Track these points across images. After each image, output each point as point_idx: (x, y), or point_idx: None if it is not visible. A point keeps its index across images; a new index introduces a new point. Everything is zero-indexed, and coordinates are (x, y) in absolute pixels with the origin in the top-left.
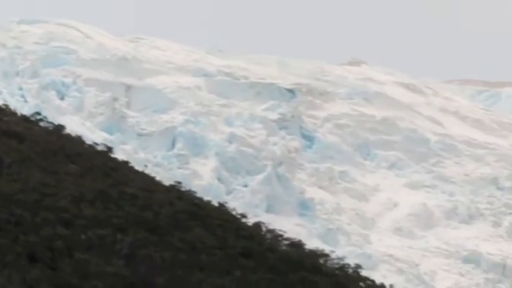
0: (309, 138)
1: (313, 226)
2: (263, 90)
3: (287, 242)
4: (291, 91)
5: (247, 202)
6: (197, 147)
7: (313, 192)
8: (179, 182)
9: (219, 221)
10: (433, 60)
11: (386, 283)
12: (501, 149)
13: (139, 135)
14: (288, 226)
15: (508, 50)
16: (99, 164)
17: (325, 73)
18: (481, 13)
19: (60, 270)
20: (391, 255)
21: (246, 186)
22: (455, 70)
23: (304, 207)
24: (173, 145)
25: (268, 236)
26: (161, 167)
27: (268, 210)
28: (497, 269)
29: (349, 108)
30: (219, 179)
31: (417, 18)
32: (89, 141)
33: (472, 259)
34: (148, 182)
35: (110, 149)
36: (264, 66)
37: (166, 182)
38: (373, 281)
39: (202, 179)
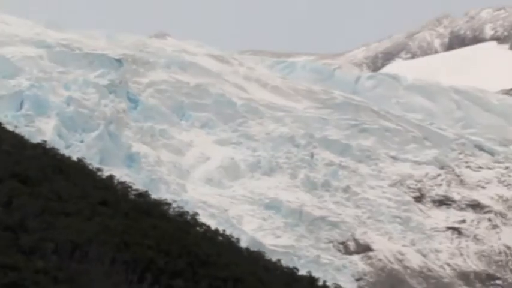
0: (134, 101)
1: (138, 176)
2: (95, 59)
3: (135, 193)
4: (118, 61)
5: (83, 155)
6: (41, 108)
7: (138, 147)
8: (45, 141)
9: (79, 173)
10: (223, 32)
11: None
12: (297, 111)
13: None
14: (118, 176)
15: (295, 23)
16: None
17: (146, 45)
18: None
19: None
20: (204, 202)
21: (82, 141)
22: (247, 41)
23: (131, 160)
24: (21, 106)
25: (119, 187)
26: (11, 125)
27: (101, 162)
28: (295, 214)
29: (167, 75)
30: (59, 136)
31: None
32: None
33: (273, 206)
34: (18, 140)
35: None
36: (95, 39)
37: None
38: (208, 226)
39: (45, 135)
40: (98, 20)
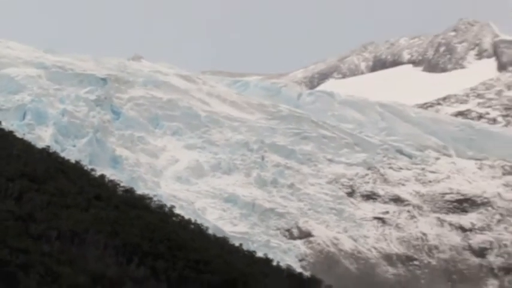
0: (116, 113)
1: (121, 175)
2: (84, 79)
3: (123, 189)
4: (103, 80)
5: (75, 158)
6: (40, 118)
7: (120, 151)
8: (48, 146)
9: (77, 173)
10: (187, 55)
11: None
12: (250, 122)
13: (0, 110)
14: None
15: (245, 47)
16: None
17: (126, 67)
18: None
19: None
20: (174, 196)
21: (74, 146)
22: (207, 63)
23: (115, 161)
24: (24, 117)
25: (110, 184)
26: (17, 133)
27: (90, 164)
28: (249, 206)
29: (144, 92)
30: (56, 141)
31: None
32: None
33: (231, 199)
34: (26, 146)
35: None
36: (84, 61)
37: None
38: (183, 217)
39: (45, 141)
40: (84, 44)
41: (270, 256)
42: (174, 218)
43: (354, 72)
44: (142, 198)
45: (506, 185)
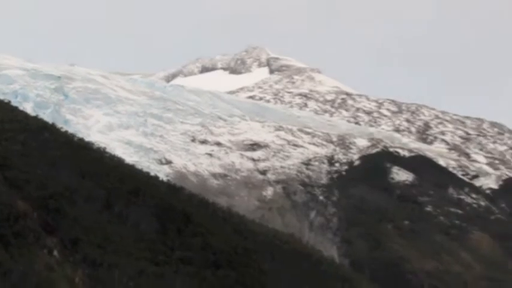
0: (66, 95)
1: (69, 130)
2: (48, 76)
3: (77, 138)
4: (59, 77)
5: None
6: (25, 98)
7: (68, 117)
8: (37, 115)
9: (54, 129)
10: (95, 59)
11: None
12: (139, 100)
13: (4, 93)
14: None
15: (129, 53)
16: (9, 109)
17: (71, 70)
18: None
19: None
20: (99, 141)
21: (44, 113)
22: (107, 65)
23: (66, 122)
24: (16, 97)
25: (69, 135)
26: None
27: None
28: (139, 147)
29: (81, 84)
30: (34, 112)
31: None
32: None
33: (128, 143)
34: (25, 115)
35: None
36: (47, 67)
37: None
38: (110, 153)
39: (27, 111)
40: (42, 53)
41: (152, 174)
42: (106, 154)
43: (191, 74)
44: (88, 143)
45: (277, 136)
